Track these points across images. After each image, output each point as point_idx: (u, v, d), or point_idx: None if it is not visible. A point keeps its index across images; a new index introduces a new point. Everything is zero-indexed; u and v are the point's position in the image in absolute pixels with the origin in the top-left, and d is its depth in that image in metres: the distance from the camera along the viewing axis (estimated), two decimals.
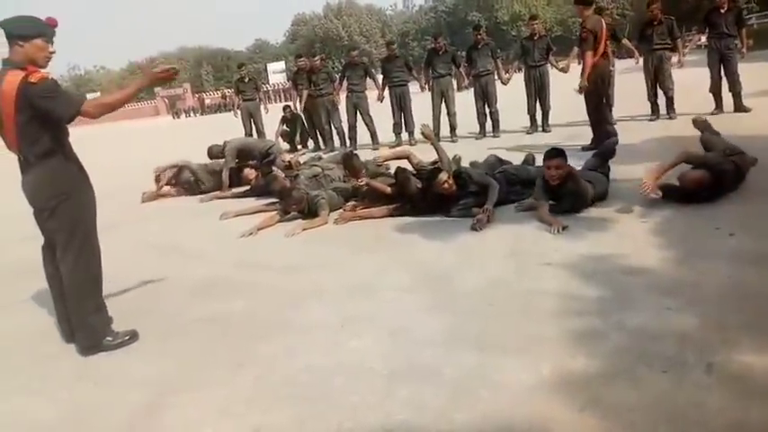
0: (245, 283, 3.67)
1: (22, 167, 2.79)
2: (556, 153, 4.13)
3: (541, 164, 4.27)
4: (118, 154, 15.27)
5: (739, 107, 7.60)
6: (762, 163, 4.60)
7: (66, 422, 2.35)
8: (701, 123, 5.03)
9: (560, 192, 4.13)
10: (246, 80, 10.70)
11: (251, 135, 10.18)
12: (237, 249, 4.55)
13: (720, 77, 7.68)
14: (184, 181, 7.30)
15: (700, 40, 8.71)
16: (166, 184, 7.40)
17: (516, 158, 5.56)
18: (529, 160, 5.36)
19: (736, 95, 7.63)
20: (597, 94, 6.40)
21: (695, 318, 2.43)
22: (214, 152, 6.98)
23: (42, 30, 2.70)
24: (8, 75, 2.61)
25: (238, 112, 10.91)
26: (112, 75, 76.75)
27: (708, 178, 3.83)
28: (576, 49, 7.47)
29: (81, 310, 2.87)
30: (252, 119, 10.52)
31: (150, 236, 5.39)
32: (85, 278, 2.87)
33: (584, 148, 6.32)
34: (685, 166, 4.02)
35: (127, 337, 2.97)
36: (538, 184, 4.30)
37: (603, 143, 5.08)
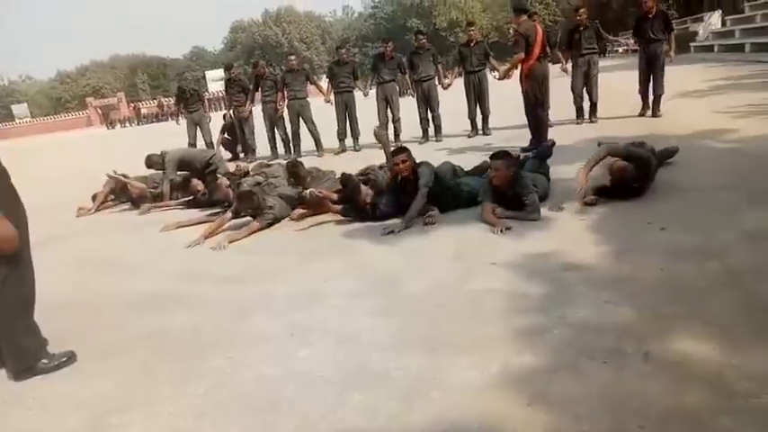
0: (188, 296, 3.56)
1: None
2: (501, 155, 4.22)
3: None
4: (51, 165, 14.53)
5: (655, 111, 8.00)
6: (690, 161, 4.88)
7: None
8: None
9: (506, 194, 4.20)
10: (189, 93, 10.24)
11: (194, 145, 9.89)
12: (179, 262, 4.41)
13: (649, 80, 8.08)
14: (137, 192, 7.02)
15: (627, 45, 9.16)
16: (102, 202, 7.15)
17: (461, 160, 5.64)
18: (485, 168, 5.16)
19: (656, 99, 8.00)
20: (534, 97, 6.62)
21: (632, 310, 2.54)
22: (153, 161, 6.77)
23: None
24: None
25: (182, 120, 10.53)
26: (41, 85, 73.05)
27: (631, 168, 4.05)
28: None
29: (11, 333, 2.71)
30: (198, 129, 10.20)
31: (87, 251, 5.15)
32: (15, 299, 2.70)
33: (524, 150, 6.51)
34: (611, 159, 4.21)
35: (64, 359, 2.82)
36: (483, 185, 4.39)
37: (541, 145, 5.24)
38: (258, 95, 9.91)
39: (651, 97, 8.01)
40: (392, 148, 4.89)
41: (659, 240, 3.32)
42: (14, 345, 2.72)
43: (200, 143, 10.01)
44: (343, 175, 4.98)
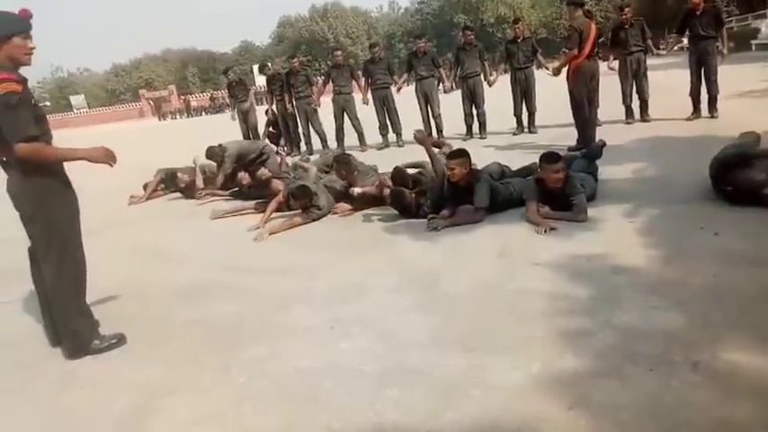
0: (232, 287, 3.65)
1: (3, 167, 2.74)
2: (557, 158, 4.06)
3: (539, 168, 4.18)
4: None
5: (711, 112, 7.60)
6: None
7: (51, 426, 2.31)
8: None
9: (555, 194, 4.07)
10: (235, 83, 10.65)
11: (248, 137, 10.17)
12: (224, 252, 4.52)
13: (700, 81, 7.69)
14: (185, 182, 7.24)
15: (681, 42, 8.70)
16: (153, 191, 7.43)
17: (506, 159, 5.56)
18: (533, 170, 4.95)
19: (712, 99, 7.60)
20: (581, 96, 6.45)
21: (681, 316, 2.46)
22: (214, 153, 6.90)
23: (18, 27, 2.58)
24: None
25: (235, 114, 10.86)
26: (96, 77, 75.84)
27: None
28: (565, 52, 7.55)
29: (65, 315, 2.84)
30: (246, 120, 10.50)
31: (137, 239, 5.34)
32: (68, 283, 2.83)
33: (570, 149, 6.36)
34: None
35: (114, 341, 2.94)
36: (530, 185, 4.28)
37: (591, 145, 5.10)
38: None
39: (707, 98, 7.65)
40: (449, 149, 4.80)
41: (712, 246, 3.19)
42: (69, 327, 2.85)
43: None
44: (396, 170, 4.98)
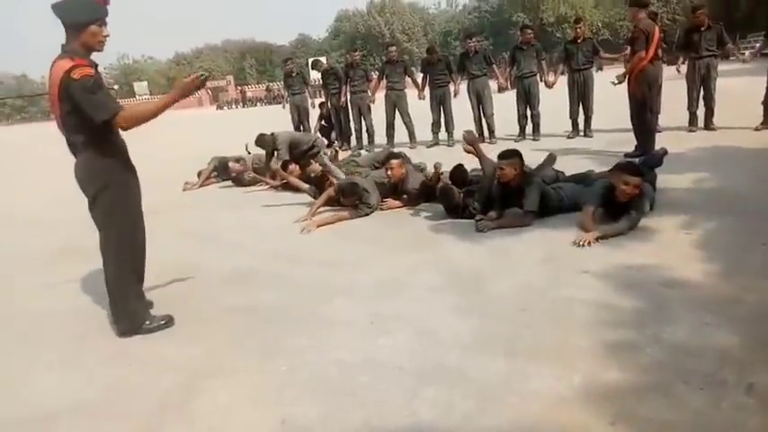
0: (278, 276, 3.72)
1: (71, 151, 2.85)
2: (637, 171, 3.83)
3: (609, 176, 3.99)
4: (163, 142, 15.63)
5: None
6: None
7: (101, 400, 2.42)
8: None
9: (619, 207, 3.86)
10: (294, 74, 10.77)
11: (299, 129, 10.30)
12: (272, 241, 4.61)
13: None
14: (236, 170, 7.45)
15: (764, 47, 8.13)
16: (206, 179, 7.66)
17: (558, 162, 5.43)
18: (589, 177, 4.83)
19: None
20: (642, 101, 6.24)
21: (736, 335, 2.35)
22: (265, 141, 7.05)
23: (96, 14, 2.66)
24: (59, 62, 2.64)
25: (287, 105, 11.02)
26: (159, 65, 78.54)
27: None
28: (627, 51, 7.30)
29: (122, 296, 2.96)
30: (299, 113, 10.63)
31: (190, 224, 5.51)
32: (125, 266, 2.94)
33: (627, 155, 6.16)
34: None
35: (163, 322, 3.05)
36: (599, 192, 4.02)
37: (652, 153, 4.90)
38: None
39: None
40: (496, 149, 4.73)
41: None
42: (125, 307, 2.98)
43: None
44: (458, 166, 4.99)
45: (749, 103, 7.93)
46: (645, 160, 4.67)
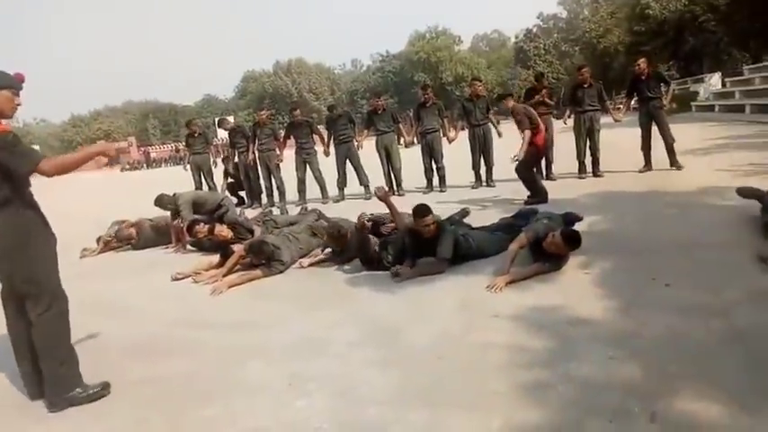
0: (185, 342, 3.52)
1: None
2: (577, 239, 3.94)
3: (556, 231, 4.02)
4: (59, 206, 14.63)
5: (673, 162, 8.00)
6: (693, 217, 4.88)
7: None
8: None
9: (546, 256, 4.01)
10: (197, 134, 10.58)
11: (200, 188, 10.02)
12: (179, 306, 4.38)
13: (650, 135, 8.17)
14: (124, 237, 7.15)
15: (630, 103, 9.22)
16: (107, 244, 7.24)
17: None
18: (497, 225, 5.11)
19: (670, 149, 8.01)
20: (526, 161, 6.88)
21: (638, 367, 2.49)
22: (165, 201, 6.78)
23: (10, 82, 2.73)
24: None
25: (188, 165, 10.77)
26: (53, 128, 74.51)
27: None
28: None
29: (53, 360, 2.78)
30: (201, 173, 10.39)
31: (88, 293, 5.11)
32: (57, 329, 2.80)
33: (527, 202, 6.57)
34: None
35: (98, 388, 2.86)
36: (527, 242, 4.14)
37: (568, 212, 5.12)
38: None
39: (665, 150, 8.04)
40: (405, 201, 4.83)
41: (664, 297, 3.28)
42: (56, 372, 2.78)
43: (204, 187, 10.16)
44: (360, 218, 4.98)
45: (630, 152, 8.75)
46: (569, 219, 4.89)
